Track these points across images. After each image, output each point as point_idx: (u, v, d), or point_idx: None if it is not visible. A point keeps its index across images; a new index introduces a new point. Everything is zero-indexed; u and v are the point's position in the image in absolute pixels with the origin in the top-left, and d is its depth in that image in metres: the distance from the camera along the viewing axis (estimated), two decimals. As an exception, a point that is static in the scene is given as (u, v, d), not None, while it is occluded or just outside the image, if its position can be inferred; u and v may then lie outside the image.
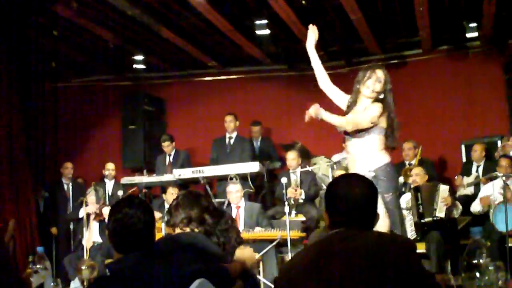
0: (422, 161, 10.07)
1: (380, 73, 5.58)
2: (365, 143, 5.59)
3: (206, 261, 3.23)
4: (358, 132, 5.55)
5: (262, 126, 11.97)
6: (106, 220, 4.26)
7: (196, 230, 3.71)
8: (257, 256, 7.57)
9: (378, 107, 5.55)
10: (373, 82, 5.56)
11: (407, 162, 10.17)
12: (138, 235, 3.20)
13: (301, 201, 9.50)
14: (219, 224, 3.79)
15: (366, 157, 5.58)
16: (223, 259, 3.52)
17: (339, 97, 5.89)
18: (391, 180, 5.67)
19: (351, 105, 5.72)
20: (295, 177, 9.74)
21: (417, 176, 8.72)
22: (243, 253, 3.74)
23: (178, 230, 3.78)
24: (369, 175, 5.27)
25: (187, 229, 3.73)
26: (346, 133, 5.67)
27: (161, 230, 7.63)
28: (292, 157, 9.87)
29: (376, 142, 5.59)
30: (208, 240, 3.60)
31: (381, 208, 5.18)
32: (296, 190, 9.45)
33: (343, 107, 5.81)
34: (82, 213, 9.73)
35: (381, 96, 5.60)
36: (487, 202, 8.69)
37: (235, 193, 8.86)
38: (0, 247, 2.42)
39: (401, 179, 9.19)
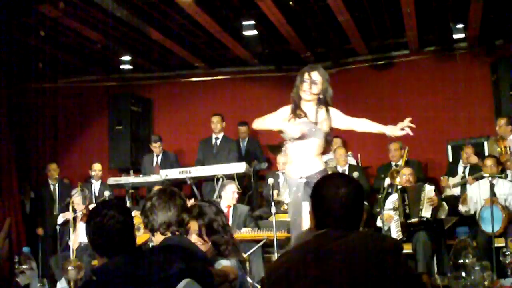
0: (409, 162, 10.01)
1: (314, 75, 5.52)
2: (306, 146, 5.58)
3: (191, 262, 3.21)
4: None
5: (249, 126, 11.93)
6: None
7: (177, 233, 3.65)
8: (244, 256, 7.58)
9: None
10: (309, 85, 5.51)
11: (393, 163, 10.15)
12: (118, 236, 3.18)
13: (288, 201, 9.49)
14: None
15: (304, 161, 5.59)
16: (207, 260, 3.49)
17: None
18: None
19: (295, 110, 5.66)
20: (283, 178, 9.72)
21: (411, 175, 8.75)
22: (226, 267, 3.67)
23: (158, 234, 3.72)
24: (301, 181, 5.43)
25: (168, 233, 3.67)
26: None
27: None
28: (283, 161, 9.81)
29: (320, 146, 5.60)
30: (192, 241, 3.56)
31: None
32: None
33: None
34: (67, 216, 9.69)
35: (321, 97, 5.58)
36: (467, 200, 8.74)
37: (232, 193, 8.86)
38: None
39: (388, 180, 9.18)
